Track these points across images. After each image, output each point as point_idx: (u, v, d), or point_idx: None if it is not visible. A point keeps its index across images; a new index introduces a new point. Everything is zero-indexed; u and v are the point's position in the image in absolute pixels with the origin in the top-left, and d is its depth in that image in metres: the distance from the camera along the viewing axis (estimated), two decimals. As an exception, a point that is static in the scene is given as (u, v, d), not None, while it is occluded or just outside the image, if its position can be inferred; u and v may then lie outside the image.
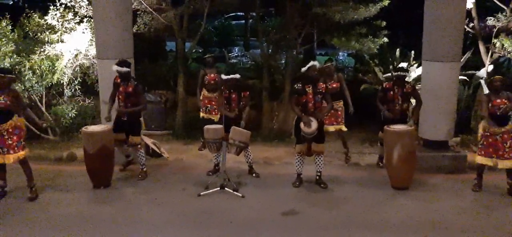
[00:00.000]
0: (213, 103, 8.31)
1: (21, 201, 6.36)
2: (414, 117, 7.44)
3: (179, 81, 10.15)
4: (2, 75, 6.17)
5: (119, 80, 7.03)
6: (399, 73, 7.31)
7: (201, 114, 8.49)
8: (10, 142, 6.16)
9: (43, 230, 5.63)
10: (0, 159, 6.20)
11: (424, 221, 5.90)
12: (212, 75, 8.41)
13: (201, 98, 8.51)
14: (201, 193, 6.60)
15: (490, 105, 6.39)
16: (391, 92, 7.23)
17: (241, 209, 6.20)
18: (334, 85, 7.77)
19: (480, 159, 6.60)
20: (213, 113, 8.36)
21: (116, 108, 7.09)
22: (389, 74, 7.59)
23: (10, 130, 6.16)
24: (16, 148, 6.20)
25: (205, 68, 8.56)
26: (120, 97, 7.03)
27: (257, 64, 12.20)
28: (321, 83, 6.75)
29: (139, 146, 7.26)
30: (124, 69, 6.93)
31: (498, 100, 6.33)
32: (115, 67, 6.96)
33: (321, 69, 7.33)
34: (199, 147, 8.53)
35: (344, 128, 7.98)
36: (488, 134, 6.44)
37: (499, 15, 9.01)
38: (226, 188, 6.67)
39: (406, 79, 7.41)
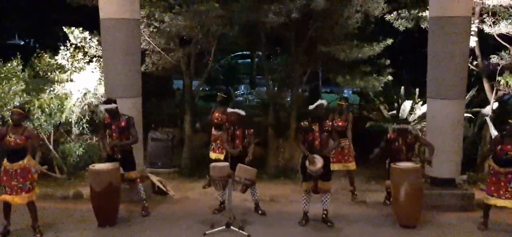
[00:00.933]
0: (218, 141, 8.39)
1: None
2: (429, 157, 7.27)
3: (185, 119, 10.20)
4: (20, 110, 6.26)
5: (109, 120, 7.03)
6: (401, 125, 7.28)
7: (210, 154, 8.61)
8: (15, 182, 6.08)
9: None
10: (4, 198, 6.13)
11: (433, 261, 5.78)
12: (217, 114, 8.54)
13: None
14: (207, 232, 6.51)
15: (499, 147, 6.33)
16: (396, 143, 7.18)
17: (247, 248, 6.11)
18: (340, 123, 7.89)
19: (487, 199, 6.52)
20: (217, 151, 8.46)
21: (107, 146, 7.10)
22: (394, 126, 7.65)
23: (19, 171, 6.08)
24: (19, 191, 6.09)
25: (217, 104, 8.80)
26: (114, 134, 7.01)
27: (263, 102, 12.26)
28: (328, 121, 6.75)
29: (138, 180, 7.23)
30: (113, 105, 6.94)
31: (509, 146, 6.26)
32: (103, 106, 7.05)
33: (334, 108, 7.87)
34: (204, 185, 8.48)
35: (352, 167, 8.08)
36: (493, 172, 6.43)
37: (503, 53, 9.05)
38: (231, 227, 6.57)
39: (408, 130, 7.38)
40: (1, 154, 6.30)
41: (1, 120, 8.48)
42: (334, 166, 7.71)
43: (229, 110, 7.31)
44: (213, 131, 8.63)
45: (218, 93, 9.07)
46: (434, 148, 7.00)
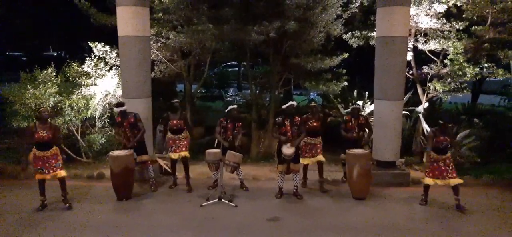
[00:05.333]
0: (177, 142, 7.10)
1: (60, 211, 6.21)
2: (366, 139, 7.41)
3: (186, 115, 10.09)
4: (48, 110, 6.28)
5: (120, 119, 6.97)
6: (354, 106, 7.47)
7: (169, 154, 7.23)
8: (48, 164, 6.12)
9: (77, 234, 5.47)
10: (41, 176, 6.13)
11: (379, 224, 5.85)
12: (175, 121, 7.09)
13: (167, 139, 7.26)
14: (203, 204, 6.49)
15: (435, 140, 6.31)
16: (350, 123, 7.29)
17: (235, 216, 6.10)
18: (315, 124, 7.20)
19: (427, 180, 6.46)
20: (177, 151, 7.12)
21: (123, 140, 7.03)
22: (349, 109, 7.67)
23: (50, 156, 6.12)
24: (54, 168, 6.15)
25: (170, 112, 7.18)
26: (127, 130, 6.95)
27: (247, 102, 12.21)
28: (297, 117, 6.76)
29: (148, 162, 7.16)
30: (122, 108, 6.93)
31: (441, 138, 6.27)
32: (116, 109, 6.97)
33: (309, 107, 7.51)
34: (170, 185, 7.39)
35: (322, 158, 7.25)
36: (433, 160, 6.36)
37: (432, 64, 9.18)
38: (223, 200, 6.57)
39: (360, 113, 7.44)
40: (29, 146, 6.25)
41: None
42: (307, 161, 7.22)
43: (230, 107, 7.13)
44: (169, 134, 7.16)
45: (173, 102, 7.29)
46: (373, 132, 7.06)
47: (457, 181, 6.30)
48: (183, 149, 7.13)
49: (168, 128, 7.19)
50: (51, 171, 6.14)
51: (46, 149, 6.09)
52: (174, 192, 7.17)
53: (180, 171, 7.45)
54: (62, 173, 6.23)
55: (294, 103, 6.82)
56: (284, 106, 6.78)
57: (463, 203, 6.35)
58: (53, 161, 6.14)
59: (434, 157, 6.36)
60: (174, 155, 7.13)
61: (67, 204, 6.29)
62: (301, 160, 7.00)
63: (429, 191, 6.60)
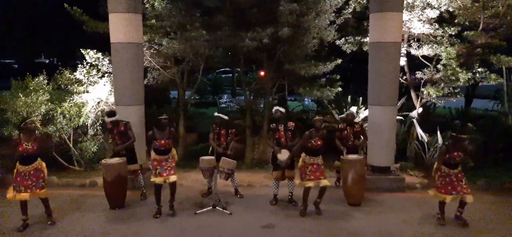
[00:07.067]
0: (163, 164, 6.27)
1: (52, 223, 6.11)
2: (360, 147, 7.44)
3: (180, 122, 10.09)
4: (34, 122, 6.02)
5: (111, 126, 6.92)
6: (348, 112, 7.48)
7: (152, 178, 6.30)
8: (29, 182, 5.72)
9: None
10: (19, 197, 5.73)
11: (374, 230, 5.85)
12: (163, 142, 6.26)
13: (150, 159, 6.40)
14: (197, 212, 6.46)
15: (447, 155, 5.91)
16: (345, 132, 7.27)
17: (229, 224, 6.07)
18: (319, 143, 6.37)
19: (442, 197, 5.99)
20: (164, 174, 6.23)
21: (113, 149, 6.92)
22: (343, 115, 7.69)
23: (32, 172, 5.75)
24: (33, 188, 5.76)
25: (156, 128, 6.33)
26: (116, 137, 6.90)
27: (241, 108, 12.20)
28: (291, 122, 6.76)
29: (138, 171, 7.11)
30: (114, 118, 6.88)
31: (455, 153, 5.86)
32: (107, 119, 6.91)
33: (313, 120, 6.69)
34: (154, 214, 6.38)
35: (327, 183, 6.36)
36: (445, 174, 5.96)
37: (425, 70, 9.25)
38: (217, 207, 6.54)
39: (355, 121, 7.43)
40: (13, 159, 5.91)
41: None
42: (309, 184, 6.32)
43: (215, 114, 7.24)
44: (154, 155, 6.32)
45: (160, 118, 6.35)
46: (367, 139, 7.24)
47: (471, 199, 5.94)
48: (171, 172, 6.28)
49: (152, 148, 6.31)
50: (29, 190, 5.73)
51: (30, 162, 5.73)
52: (167, 200, 7.10)
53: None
54: (42, 193, 5.85)
55: (280, 108, 6.80)
56: (273, 111, 6.81)
57: (464, 215, 6.15)
58: (34, 178, 5.74)
59: (446, 172, 5.97)
60: (159, 180, 6.24)
61: (49, 222, 6.01)
62: (305, 183, 6.34)
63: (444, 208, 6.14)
